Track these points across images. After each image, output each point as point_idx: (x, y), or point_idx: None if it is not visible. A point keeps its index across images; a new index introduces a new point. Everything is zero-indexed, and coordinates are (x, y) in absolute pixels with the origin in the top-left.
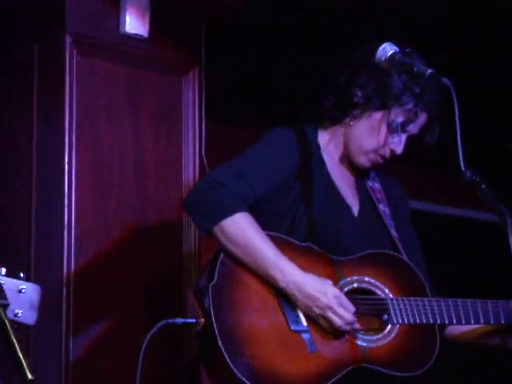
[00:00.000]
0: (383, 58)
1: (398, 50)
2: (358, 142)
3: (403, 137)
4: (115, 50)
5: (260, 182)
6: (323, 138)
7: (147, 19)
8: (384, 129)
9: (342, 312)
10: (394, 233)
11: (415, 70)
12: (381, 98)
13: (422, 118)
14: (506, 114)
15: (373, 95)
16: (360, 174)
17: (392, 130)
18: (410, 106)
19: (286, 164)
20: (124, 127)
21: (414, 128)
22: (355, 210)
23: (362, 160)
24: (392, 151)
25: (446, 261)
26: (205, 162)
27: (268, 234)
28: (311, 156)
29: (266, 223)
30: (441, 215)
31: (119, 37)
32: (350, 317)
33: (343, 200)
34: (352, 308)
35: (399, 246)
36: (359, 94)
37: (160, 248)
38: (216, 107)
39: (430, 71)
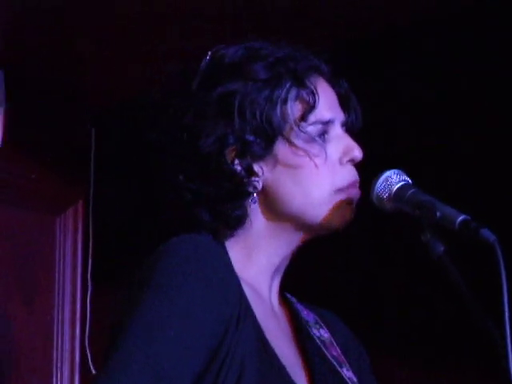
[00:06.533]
0: (385, 195)
1: (408, 180)
2: (297, 198)
3: (339, 131)
4: None
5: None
6: (234, 253)
7: None
8: (308, 149)
9: None
10: None
11: (438, 214)
12: (259, 129)
13: (323, 89)
14: None
15: (248, 139)
16: (294, 313)
17: (317, 139)
18: (294, 93)
19: (213, 321)
20: None
21: (332, 111)
22: None
23: (332, 211)
24: (351, 161)
25: None
26: (88, 352)
27: None
28: (233, 296)
29: None
30: None
31: None
32: None
33: (286, 374)
34: None
35: None
36: (229, 158)
37: None
38: (108, 262)
39: (461, 218)
